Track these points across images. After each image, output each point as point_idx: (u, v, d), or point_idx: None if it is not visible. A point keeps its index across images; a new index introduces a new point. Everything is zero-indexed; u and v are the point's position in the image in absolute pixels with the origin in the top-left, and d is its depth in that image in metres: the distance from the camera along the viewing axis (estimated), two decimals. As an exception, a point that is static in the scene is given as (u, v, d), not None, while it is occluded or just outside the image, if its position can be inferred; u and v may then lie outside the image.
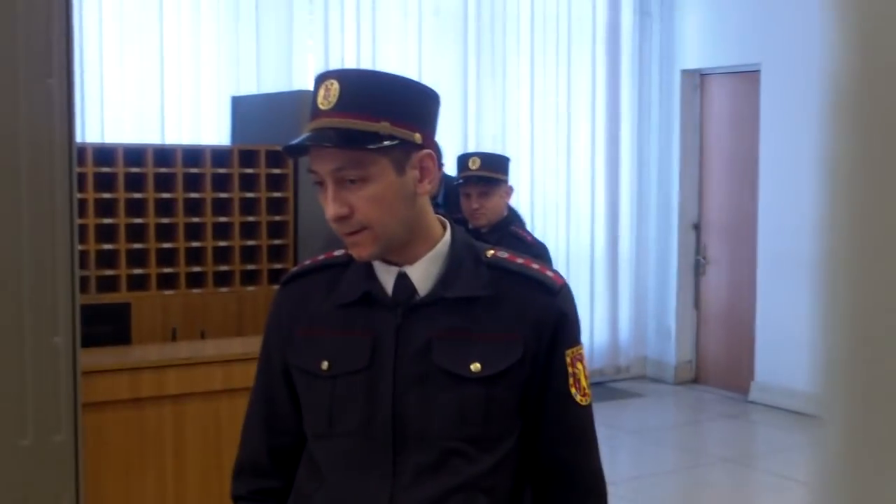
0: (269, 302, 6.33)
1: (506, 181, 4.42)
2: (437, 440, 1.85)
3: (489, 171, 4.33)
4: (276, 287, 6.39)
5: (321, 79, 1.85)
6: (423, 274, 1.89)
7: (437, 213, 1.95)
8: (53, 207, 3.26)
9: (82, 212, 5.24)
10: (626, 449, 7.34)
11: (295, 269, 2.06)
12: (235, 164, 6.08)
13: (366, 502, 1.86)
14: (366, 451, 1.87)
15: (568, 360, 1.92)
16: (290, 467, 1.99)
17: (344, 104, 1.80)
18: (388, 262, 1.89)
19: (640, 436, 7.55)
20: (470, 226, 4.30)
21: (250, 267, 6.15)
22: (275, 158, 6.20)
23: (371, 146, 1.78)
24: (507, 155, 4.89)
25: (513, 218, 4.51)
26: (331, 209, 1.81)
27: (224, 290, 6.04)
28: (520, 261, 1.94)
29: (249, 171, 6.14)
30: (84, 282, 5.14)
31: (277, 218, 6.22)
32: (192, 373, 4.00)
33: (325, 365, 1.91)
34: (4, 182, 3.16)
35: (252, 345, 4.48)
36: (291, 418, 1.98)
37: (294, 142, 1.83)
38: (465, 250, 1.92)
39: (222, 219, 6.06)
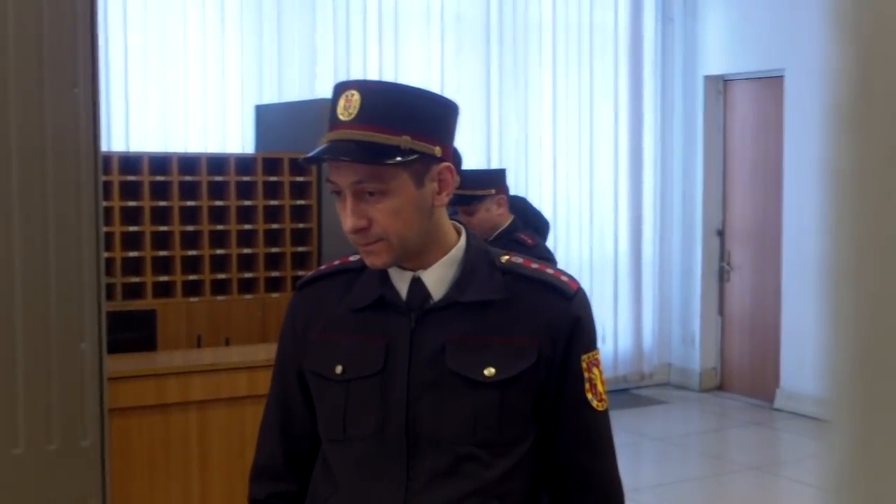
0: (292, 308, 6.30)
1: (490, 194, 4.42)
2: (451, 445, 1.85)
3: (468, 189, 4.35)
4: (299, 294, 6.38)
5: (342, 88, 1.85)
6: (437, 278, 1.89)
7: (452, 219, 1.96)
8: (79, 215, 3.29)
9: (108, 220, 5.28)
10: (650, 456, 7.32)
11: (310, 273, 2.07)
12: (259, 172, 6.12)
13: None
14: (379, 455, 1.87)
15: (584, 364, 1.91)
16: (305, 471, 2.00)
17: (365, 116, 1.79)
18: (403, 268, 1.89)
19: (664, 443, 7.53)
20: None
21: (274, 274, 6.18)
22: (298, 166, 6.23)
23: (391, 161, 1.77)
24: (494, 168, 4.89)
25: (519, 224, 4.52)
26: (349, 221, 1.81)
27: (248, 296, 6.07)
28: (535, 266, 1.94)
29: (273, 178, 6.17)
30: (110, 289, 5.18)
31: (301, 225, 6.25)
32: (217, 379, 4.02)
33: (339, 369, 1.92)
34: (31, 190, 3.19)
35: (275, 351, 4.50)
36: (307, 422, 1.99)
37: (313, 153, 1.83)
38: (480, 256, 1.92)
39: (246, 226, 6.10)
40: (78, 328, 3.29)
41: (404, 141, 1.78)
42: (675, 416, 8.34)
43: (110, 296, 5.09)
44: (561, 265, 8.54)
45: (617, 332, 8.87)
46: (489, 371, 1.85)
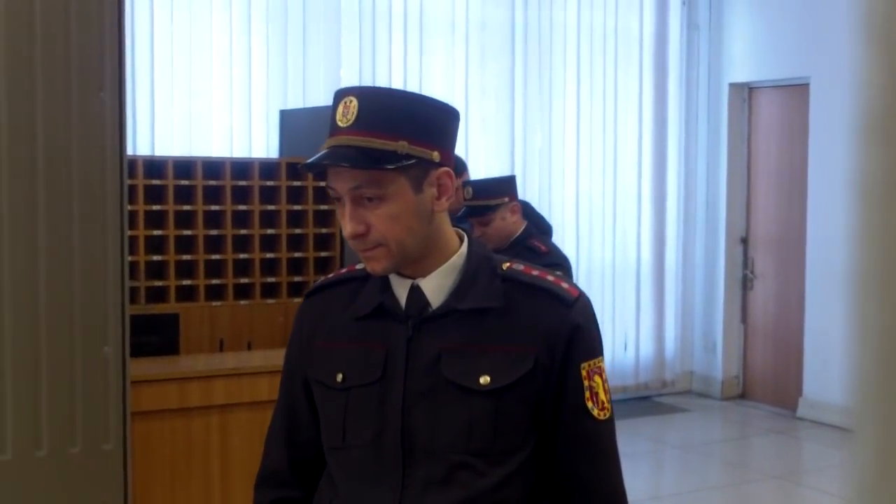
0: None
1: (504, 202, 4.42)
2: (445, 454, 1.84)
3: (481, 200, 4.36)
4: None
5: (340, 95, 1.86)
6: (435, 286, 1.88)
7: (455, 227, 1.97)
8: (104, 219, 3.31)
9: (132, 223, 5.30)
10: (671, 464, 7.30)
11: (318, 282, 2.08)
12: (283, 177, 6.13)
13: None
14: (377, 463, 1.88)
15: (583, 373, 1.88)
16: (310, 478, 2.01)
17: (363, 122, 1.80)
18: (403, 275, 1.89)
19: (685, 451, 7.51)
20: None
21: (297, 279, 6.19)
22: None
23: (388, 166, 1.78)
24: (507, 175, 4.90)
25: (532, 230, 4.53)
26: (348, 227, 1.82)
27: (271, 301, 6.09)
28: (535, 272, 1.92)
29: (297, 183, 6.19)
30: (133, 292, 5.20)
31: (324, 230, 6.27)
32: (239, 383, 4.04)
33: (339, 377, 1.93)
34: (57, 194, 3.21)
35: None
36: (312, 430, 2.00)
37: (312, 159, 1.84)
38: (481, 263, 1.91)
39: (270, 231, 6.12)
40: (101, 332, 3.31)
41: (402, 146, 1.79)
42: (697, 424, 8.31)
43: (134, 299, 5.12)
44: (583, 271, 8.50)
45: (639, 339, 8.84)
46: (484, 379, 1.84)
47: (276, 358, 4.52)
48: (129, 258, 3.55)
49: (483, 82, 8.02)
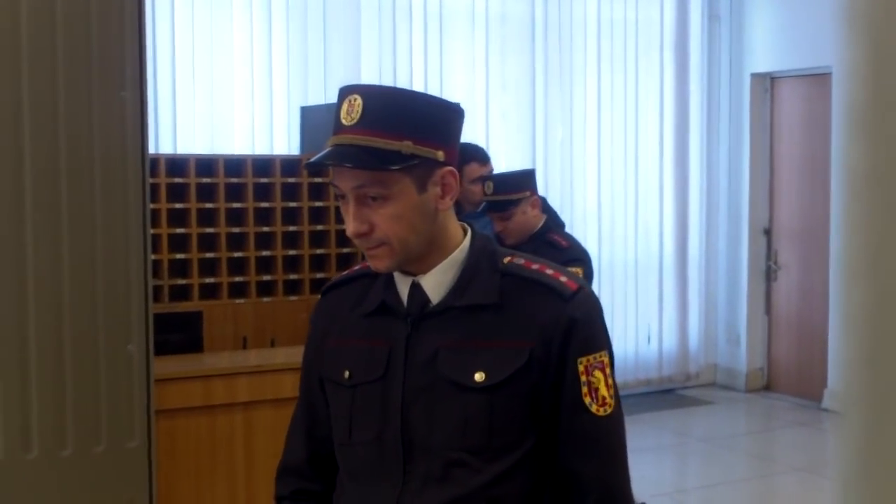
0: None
1: (525, 196, 4.41)
2: (441, 451, 1.85)
3: (502, 195, 4.35)
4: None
5: (345, 93, 1.86)
6: (435, 283, 1.89)
7: (461, 220, 1.96)
8: (127, 218, 3.32)
9: (155, 222, 5.32)
10: (696, 457, 7.28)
11: (333, 279, 2.11)
12: (304, 174, 6.14)
13: None
14: (379, 460, 1.89)
15: (581, 367, 1.86)
16: (329, 472, 2.03)
17: (367, 121, 1.80)
18: (406, 272, 1.90)
19: (710, 444, 7.48)
20: (507, 243, 4.31)
21: (319, 275, 6.20)
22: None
23: (392, 167, 1.78)
24: (526, 168, 4.88)
25: (550, 224, 4.52)
26: (351, 226, 1.82)
27: (293, 298, 6.10)
28: (535, 266, 1.91)
29: (318, 180, 6.19)
30: (157, 291, 5.22)
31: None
32: (263, 380, 4.04)
33: (346, 374, 1.95)
34: (79, 193, 3.22)
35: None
36: (329, 425, 2.02)
37: (316, 158, 1.85)
38: (483, 258, 1.91)
39: (292, 228, 6.13)
40: (125, 330, 3.32)
41: (406, 146, 1.79)
42: (721, 416, 8.28)
43: (157, 298, 5.14)
44: (605, 264, 8.48)
45: (662, 332, 8.82)
46: (479, 376, 1.84)
47: (299, 355, 4.51)
48: (152, 257, 3.56)
49: (503, 76, 8.00)
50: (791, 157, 8.67)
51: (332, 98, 6.31)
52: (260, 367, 4.11)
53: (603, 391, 1.88)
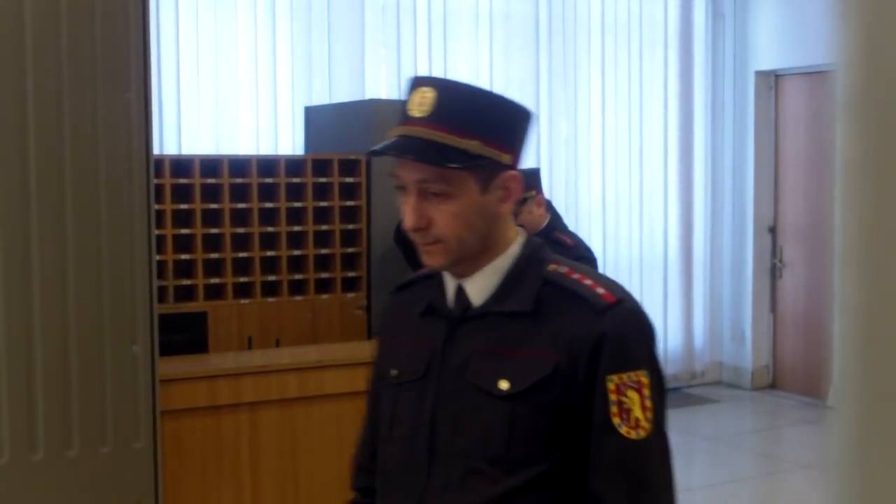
0: (342, 310, 6.39)
1: (532, 196, 4.41)
2: (462, 457, 1.82)
3: None
4: (349, 295, 6.44)
5: (417, 84, 1.83)
6: (479, 287, 1.86)
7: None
8: (132, 218, 3.32)
9: (160, 222, 5.33)
10: (701, 456, 7.27)
11: (404, 278, 2.11)
12: (309, 174, 6.15)
13: None
14: (408, 460, 1.89)
15: (611, 386, 1.75)
16: None
17: (438, 116, 1.77)
18: (454, 273, 1.88)
19: (716, 442, 7.48)
20: None
21: (324, 275, 6.21)
22: (348, 167, 6.26)
23: (458, 165, 1.76)
24: (531, 167, 4.89)
25: (555, 223, 4.52)
26: (410, 219, 1.80)
27: (298, 298, 6.10)
28: (575, 276, 1.84)
29: (323, 180, 6.20)
30: (162, 291, 5.23)
31: (350, 226, 6.28)
32: (268, 380, 4.05)
33: (394, 373, 1.95)
34: (84, 194, 3.23)
35: (326, 352, 4.53)
36: None
37: (381, 147, 1.82)
38: (529, 264, 1.86)
39: (296, 228, 6.13)
40: (130, 331, 3.32)
41: (474, 145, 1.76)
42: (727, 414, 8.27)
43: (162, 298, 5.14)
44: (610, 263, 8.47)
45: (667, 330, 8.81)
46: (504, 384, 1.79)
47: (303, 354, 4.55)
48: (157, 257, 3.57)
49: (508, 74, 8.00)
50: (796, 154, 8.66)
51: (337, 98, 6.28)
52: (265, 367, 4.11)
53: (637, 413, 1.76)
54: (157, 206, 3.69)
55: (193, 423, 3.95)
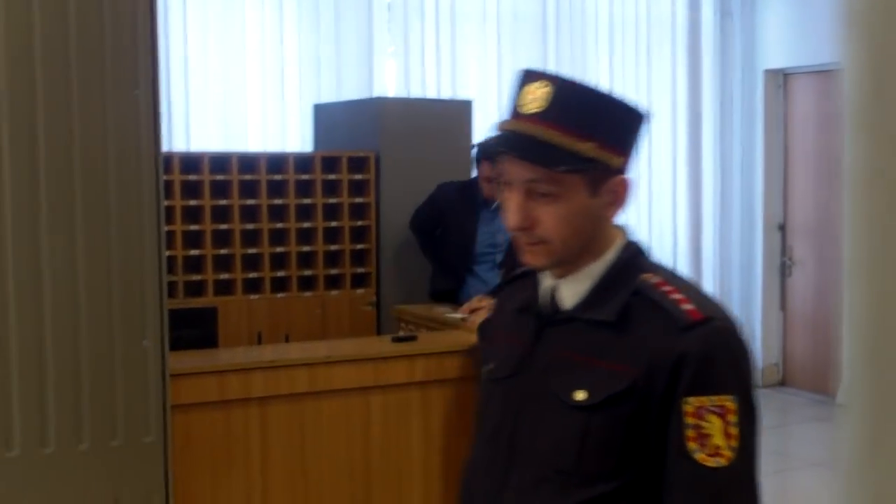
0: (351, 305, 6.38)
1: None
2: (537, 463, 1.78)
3: None
4: (358, 291, 6.42)
5: (529, 78, 1.76)
6: (570, 291, 1.81)
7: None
8: (141, 215, 3.34)
9: (169, 219, 5.35)
10: (711, 452, 7.25)
11: (511, 274, 2.08)
12: (318, 171, 6.16)
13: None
14: (490, 458, 1.86)
15: (688, 409, 1.66)
16: None
17: (552, 114, 1.69)
18: (552, 274, 1.83)
19: (725, 439, 7.46)
20: None
21: (333, 271, 6.22)
22: (356, 164, 6.27)
23: (570, 168, 1.69)
24: None
25: None
26: (514, 219, 1.74)
27: (307, 294, 6.12)
28: (665, 288, 1.76)
29: (332, 177, 6.21)
30: (172, 287, 5.25)
31: (360, 223, 6.29)
32: (277, 375, 4.06)
33: (490, 367, 1.92)
34: (93, 191, 3.24)
35: (335, 348, 4.54)
36: None
37: (488, 141, 1.82)
38: (623, 272, 1.79)
39: (306, 224, 6.15)
40: (140, 326, 3.34)
41: (588, 148, 1.69)
42: (737, 412, 8.24)
43: (172, 294, 5.15)
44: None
45: (677, 327, 8.78)
46: (580, 395, 1.73)
47: (313, 350, 4.56)
48: (167, 253, 3.58)
49: (515, 72, 7.98)
50: (805, 152, 8.65)
51: (345, 96, 6.29)
52: (274, 362, 4.12)
53: (718, 440, 1.66)
54: (166, 203, 3.71)
55: (203, 417, 3.96)
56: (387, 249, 6.29)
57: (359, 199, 6.27)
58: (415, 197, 6.05)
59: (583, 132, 1.68)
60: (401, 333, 4.67)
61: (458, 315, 4.87)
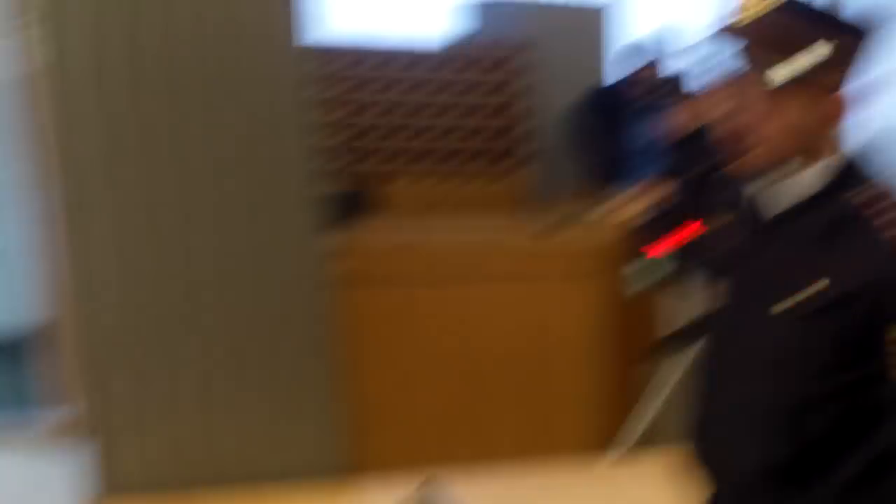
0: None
1: None
2: (738, 374, 1.83)
3: None
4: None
5: None
6: (773, 200, 1.80)
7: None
8: (284, 106, 3.51)
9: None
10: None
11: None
12: (464, 69, 6.04)
13: None
14: (708, 372, 1.91)
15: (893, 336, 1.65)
16: None
17: (775, 18, 1.68)
18: (759, 181, 1.84)
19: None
20: None
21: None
22: (506, 63, 6.14)
23: (792, 79, 1.68)
24: None
25: None
26: (731, 123, 1.75)
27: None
28: (874, 209, 1.70)
29: (486, 78, 6.07)
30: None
31: (504, 123, 6.15)
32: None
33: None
34: (233, 87, 3.43)
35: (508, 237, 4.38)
36: None
37: (708, 43, 1.76)
38: (832, 188, 1.74)
39: (456, 122, 6.04)
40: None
41: (804, 61, 1.68)
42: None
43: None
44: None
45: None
46: (777, 307, 1.73)
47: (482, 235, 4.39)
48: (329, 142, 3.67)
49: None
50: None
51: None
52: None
53: None
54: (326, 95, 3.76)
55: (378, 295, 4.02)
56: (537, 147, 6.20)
57: (503, 99, 6.10)
58: (563, 99, 6.05)
59: (809, 36, 1.67)
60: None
61: (604, 210, 4.81)
